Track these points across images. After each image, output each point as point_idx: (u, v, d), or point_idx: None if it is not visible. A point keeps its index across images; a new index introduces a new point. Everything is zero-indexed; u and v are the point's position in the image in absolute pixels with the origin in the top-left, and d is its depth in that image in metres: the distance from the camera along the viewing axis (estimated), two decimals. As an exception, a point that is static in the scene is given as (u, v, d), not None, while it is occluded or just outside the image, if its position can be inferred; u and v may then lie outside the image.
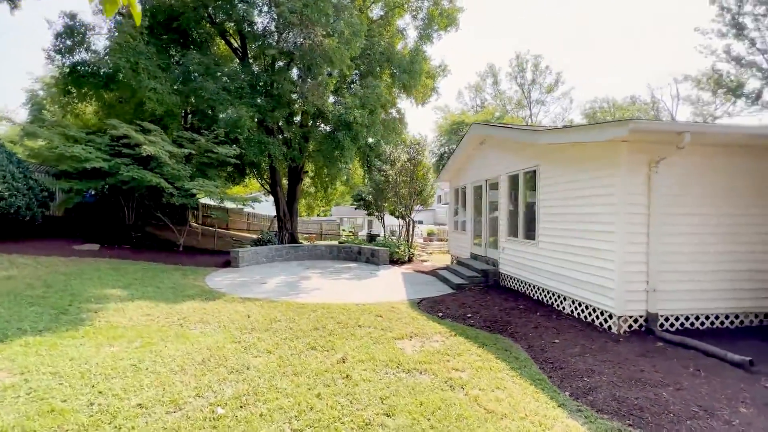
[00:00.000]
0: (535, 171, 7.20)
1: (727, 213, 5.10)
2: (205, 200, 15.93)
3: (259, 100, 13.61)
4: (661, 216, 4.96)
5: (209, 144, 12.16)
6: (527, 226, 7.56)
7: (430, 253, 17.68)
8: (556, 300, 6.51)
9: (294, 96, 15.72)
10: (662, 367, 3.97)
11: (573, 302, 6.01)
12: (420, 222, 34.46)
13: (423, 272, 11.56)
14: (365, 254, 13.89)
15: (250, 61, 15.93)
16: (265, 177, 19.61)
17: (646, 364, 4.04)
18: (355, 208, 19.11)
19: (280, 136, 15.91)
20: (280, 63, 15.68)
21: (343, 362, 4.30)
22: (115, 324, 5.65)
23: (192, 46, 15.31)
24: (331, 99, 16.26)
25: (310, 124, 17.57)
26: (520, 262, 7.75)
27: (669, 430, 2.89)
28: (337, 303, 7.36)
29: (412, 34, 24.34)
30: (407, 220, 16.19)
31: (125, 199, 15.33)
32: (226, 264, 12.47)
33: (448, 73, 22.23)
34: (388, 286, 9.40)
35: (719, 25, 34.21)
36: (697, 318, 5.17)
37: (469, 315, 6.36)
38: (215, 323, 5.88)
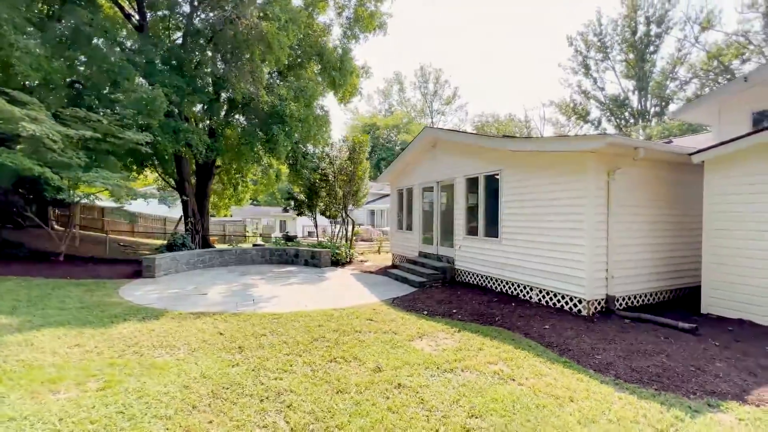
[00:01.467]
0: (497, 175, 7.90)
1: (655, 213, 6.50)
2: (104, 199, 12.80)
3: (176, 81, 11.59)
4: (615, 215, 6.02)
5: (112, 127, 9.83)
6: (488, 224, 8.24)
7: (361, 253, 17.67)
8: (522, 291, 7.27)
9: (213, 80, 13.93)
10: (642, 339, 4.84)
11: (540, 291, 6.81)
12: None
13: (372, 273, 11.51)
14: (303, 257, 13.12)
15: (150, 34, 13.40)
16: (169, 170, 16.80)
17: (631, 338, 4.87)
18: (284, 208, 17.78)
19: (189, 124, 13.80)
20: (188, 40, 13.57)
21: (380, 371, 4.03)
22: (35, 363, 4.18)
23: (72, 3, 12.16)
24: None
25: (223, 114, 15.74)
26: (481, 258, 8.40)
27: (686, 388, 3.55)
28: (312, 310, 6.81)
29: (336, 32, 23.90)
30: (345, 220, 15.87)
31: (-40, 194, 11.40)
32: (136, 274, 10.30)
33: (370, 75, 22.62)
34: (348, 288, 9.09)
35: (574, 64, 42.81)
36: (634, 297, 6.43)
37: (454, 311, 6.62)
38: (183, 346, 4.84)
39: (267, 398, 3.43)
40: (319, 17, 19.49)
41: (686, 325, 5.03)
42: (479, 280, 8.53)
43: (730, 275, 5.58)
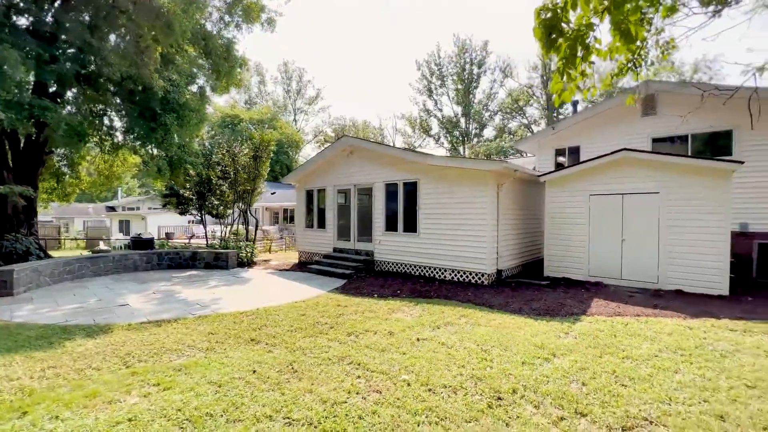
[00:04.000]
0: (416, 182, 9.93)
1: (519, 213, 9.74)
2: None
3: (30, 45, 9.07)
4: (501, 215, 8.86)
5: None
6: (407, 222, 10.19)
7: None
8: (438, 273, 9.49)
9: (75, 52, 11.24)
10: (527, 293, 7.60)
11: (453, 272, 9.17)
12: (199, 222, 30.05)
13: (288, 270, 11.89)
14: (204, 259, 12.22)
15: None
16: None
17: (521, 294, 7.57)
18: (164, 205, 15.21)
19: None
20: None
21: (393, 335, 5.29)
22: (30, 388, 3.72)
23: None
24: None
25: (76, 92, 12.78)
26: (401, 250, 10.27)
27: (562, 314, 6.22)
28: (278, 305, 7.23)
29: (214, 16, 21.72)
30: (247, 219, 15.17)
31: None
32: (-22, 293, 7.81)
33: (249, 67, 21.78)
34: (284, 285, 9.48)
35: (420, 85, 50.37)
36: (510, 269, 9.50)
37: (398, 291, 8.24)
38: (188, 349, 4.90)
39: (337, 363, 4.26)
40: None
41: (544, 283, 8.14)
42: (399, 267, 10.39)
43: (558, 251, 9.17)
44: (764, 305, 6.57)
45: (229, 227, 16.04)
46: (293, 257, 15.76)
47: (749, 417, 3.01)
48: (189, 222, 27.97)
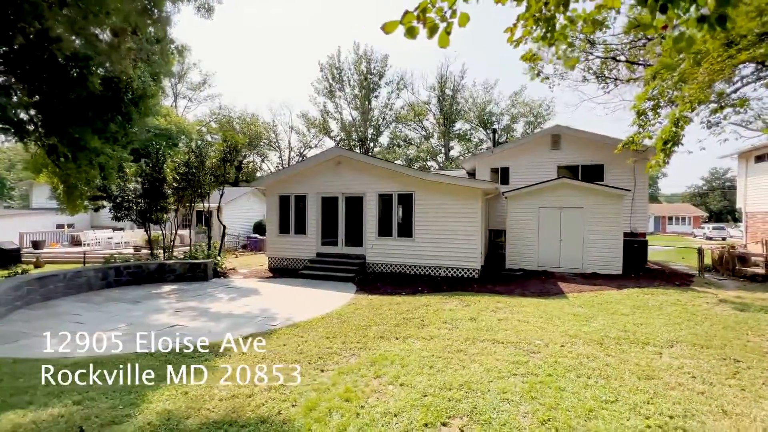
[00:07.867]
0: (411, 194, 11.58)
1: (484, 220, 12.43)
2: None
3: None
4: (481, 222, 11.37)
5: None
6: (402, 229, 11.74)
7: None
8: (432, 270, 11.38)
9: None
10: (515, 281, 10.21)
11: (448, 269, 11.21)
12: (142, 227, 23.50)
13: (274, 276, 11.88)
14: (175, 271, 11.04)
15: None
16: None
17: (513, 281, 10.14)
18: (96, 209, 12.07)
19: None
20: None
21: (475, 320, 6.97)
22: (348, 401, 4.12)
23: None
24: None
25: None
26: (395, 252, 11.75)
27: (551, 293, 8.96)
28: (337, 309, 7.94)
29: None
30: (210, 225, 13.72)
31: None
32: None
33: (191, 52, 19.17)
34: (306, 292, 9.80)
35: (321, 86, 50.78)
36: (483, 264, 12.10)
37: (420, 289, 9.79)
38: (344, 351, 5.57)
39: (476, 342, 5.72)
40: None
41: (519, 273, 10.98)
42: (394, 268, 11.83)
43: (517, 249, 12.25)
44: (643, 278, 10.80)
45: (169, 233, 14.26)
46: (249, 263, 15.15)
47: (695, 333, 5.99)
48: (59, 227, 22.22)
